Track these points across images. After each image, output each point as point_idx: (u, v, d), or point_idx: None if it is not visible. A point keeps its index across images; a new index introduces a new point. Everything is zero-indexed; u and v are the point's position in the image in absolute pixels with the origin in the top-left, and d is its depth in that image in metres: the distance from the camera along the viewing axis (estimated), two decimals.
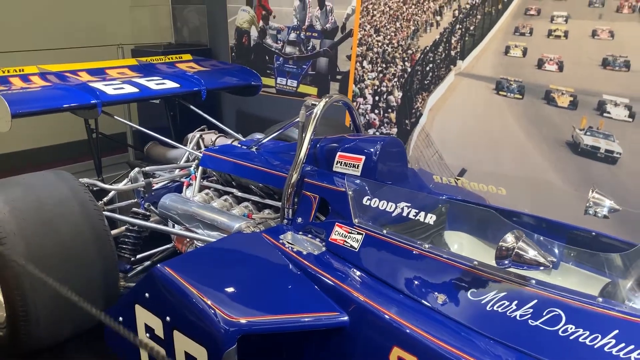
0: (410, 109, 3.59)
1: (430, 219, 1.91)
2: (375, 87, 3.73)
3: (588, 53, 2.79)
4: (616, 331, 1.41)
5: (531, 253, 1.50)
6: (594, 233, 1.92)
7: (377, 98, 3.74)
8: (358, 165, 2.13)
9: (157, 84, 3.42)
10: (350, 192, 2.04)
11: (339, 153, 2.20)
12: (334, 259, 1.96)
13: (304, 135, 2.21)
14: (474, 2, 3.17)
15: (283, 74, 4.35)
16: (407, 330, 1.58)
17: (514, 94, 3.09)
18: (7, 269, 2.13)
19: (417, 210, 1.94)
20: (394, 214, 1.95)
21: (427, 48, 3.43)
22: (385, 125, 3.74)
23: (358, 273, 1.89)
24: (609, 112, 2.77)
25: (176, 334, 1.81)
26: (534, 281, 1.57)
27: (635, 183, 2.75)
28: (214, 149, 2.83)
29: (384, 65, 3.66)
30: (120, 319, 2.05)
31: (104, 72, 3.68)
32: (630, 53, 2.66)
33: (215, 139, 3.36)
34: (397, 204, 1.97)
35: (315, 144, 2.35)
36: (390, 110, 3.70)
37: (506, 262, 1.52)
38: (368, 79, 3.76)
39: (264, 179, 2.44)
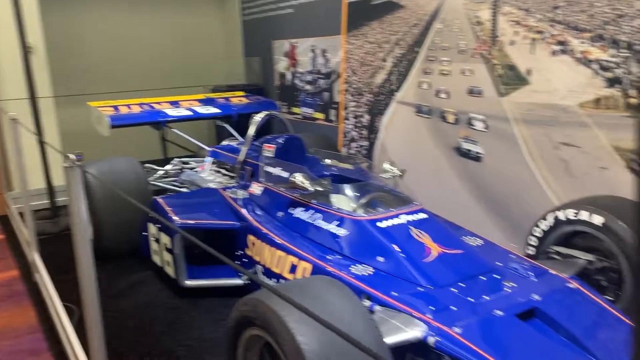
0: (373, 127, 5.02)
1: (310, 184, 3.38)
2: (355, 112, 5.22)
3: (461, 85, 4.05)
4: (336, 221, 2.81)
5: (306, 184, 2.95)
6: (387, 188, 3.25)
7: (355, 120, 5.23)
8: (272, 150, 3.69)
9: (205, 110, 5.27)
10: (261, 165, 3.60)
11: (264, 144, 3.78)
12: (246, 200, 3.54)
13: (249, 135, 3.84)
14: (402, 52, 4.57)
15: (305, 105, 6.01)
16: (255, 227, 3.12)
17: (425, 114, 4.40)
18: (94, 205, 3.99)
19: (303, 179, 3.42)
20: (282, 177, 3.47)
21: (380, 84, 4.86)
22: (361, 139, 5.20)
23: (254, 206, 3.44)
24: (474, 125, 3.99)
25: (161, 234, 3.51)
26: (314, 201, 3.00)
27: (491, 172, 3.91)
28: (218, 146, 4.56)
29: (358, 97, 5.14)
30: (144, 233, 3.79)
31: (178, 103, 5.63)
32: (482, 84, 3.89)
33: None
34: (288, 173, 3.47)
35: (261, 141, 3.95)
36: (363, 128, 5.16)
37: (296, 189, 2.99)
38: (350, 106, 5.26)
39: (231, 161, 4.11)
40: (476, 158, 4.02)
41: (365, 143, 5.16)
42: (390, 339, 1.97)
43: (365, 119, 5.11)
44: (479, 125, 3.96)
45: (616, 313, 2.27)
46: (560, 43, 3.35)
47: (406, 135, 4.65)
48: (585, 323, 2.17)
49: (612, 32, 3.10)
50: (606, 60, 3.13)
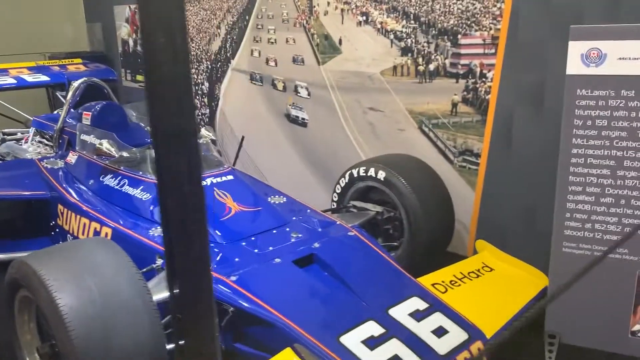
0: (213, 94, 5.06)
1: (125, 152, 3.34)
2: (195, 80, 5.21)
3: (287, 53, 4.22)
4: (142, 186, 2.85)
5: (112, 150, 2.95)
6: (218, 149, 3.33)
7: (196, 88, 5.23)
8: (88, 118, 3.61)
9: (33, 78, 4.96)
10: (77, 133, 3.52)
11: (83, 112, 3.69)
12: (61, 170, 3.44)
13: (66, 102, 3.72)
14: (234, 20, 4.64)
15: None
16: (64, 196, 3.07)
17: (258, 82, 4.53)
18: None
19: (109, 145, 3.36)
20: (94, 145, 3.41)
21: (216, 51, 4.90)
22: (203, 107, 5.22)
23: (68, 176, 3.36)
24: (299, 93, 4.19)
25: None
26: (122, 168, 3.01)
27: (315, 136, 4.15)
28: (42, 116, 4.37)
29: (197, 64, 5.14)
30: None
31: (7, 71, 5.23)
32: (303, 53, 4.08)
33: None
34: (100, 141, 3.42)
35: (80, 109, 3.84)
36: (204, 96, 5.18)
37: (104, 156, 2.97)
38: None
39: (53, 130, 3.96)
40: (303, 124, 4.23)
41: (207, 111, 5.19)
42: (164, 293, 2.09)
43: (206, 86, 5.14)
44: (303, 93, 4.17)
45: (386, 257, 2.56)
46: (364, 14, 3.61)
47: (243, 102, 4.76)
48: (355, 266, 2.43)
49: (403, 4, 3.40)
50: (400, 31, 3.44)
